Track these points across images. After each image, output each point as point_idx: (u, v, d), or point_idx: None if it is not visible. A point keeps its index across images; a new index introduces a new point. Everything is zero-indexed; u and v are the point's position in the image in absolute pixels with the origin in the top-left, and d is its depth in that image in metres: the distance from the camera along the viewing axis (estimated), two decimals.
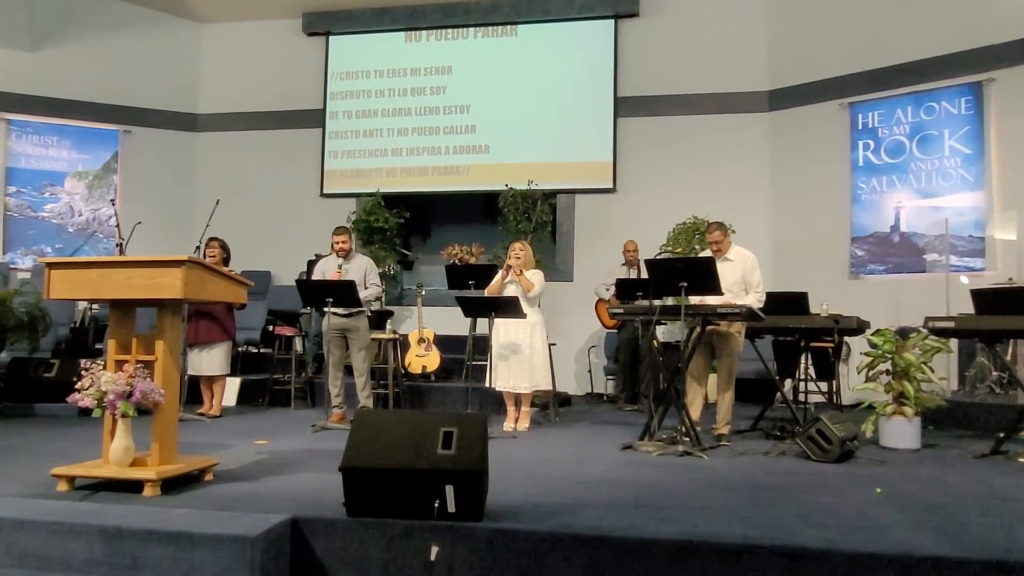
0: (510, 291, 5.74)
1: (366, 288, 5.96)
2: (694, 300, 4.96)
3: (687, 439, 4.73)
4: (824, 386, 6.33)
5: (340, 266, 5.93)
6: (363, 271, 6.00)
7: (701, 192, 8.56)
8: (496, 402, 6.35)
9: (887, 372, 5.12)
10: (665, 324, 8.07)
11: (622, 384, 7.37)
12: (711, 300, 4.93)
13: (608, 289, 7.41)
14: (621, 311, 5.27)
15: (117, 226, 7.13)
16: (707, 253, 5.35)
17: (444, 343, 7.57)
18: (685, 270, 4.67)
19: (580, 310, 8.35)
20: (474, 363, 6.66)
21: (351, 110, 9.68)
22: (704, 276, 4.66)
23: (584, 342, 8.61)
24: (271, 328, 7.92)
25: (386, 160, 9.53)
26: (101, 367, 3.55)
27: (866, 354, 5.27)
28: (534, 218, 8.28)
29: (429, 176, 9.42)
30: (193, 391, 6.45)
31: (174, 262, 3.47)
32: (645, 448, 4.72)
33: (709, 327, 5.03)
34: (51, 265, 3.55)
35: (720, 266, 4.79)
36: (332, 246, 6.10)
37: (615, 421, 6.30)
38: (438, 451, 3.05)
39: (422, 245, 10.87)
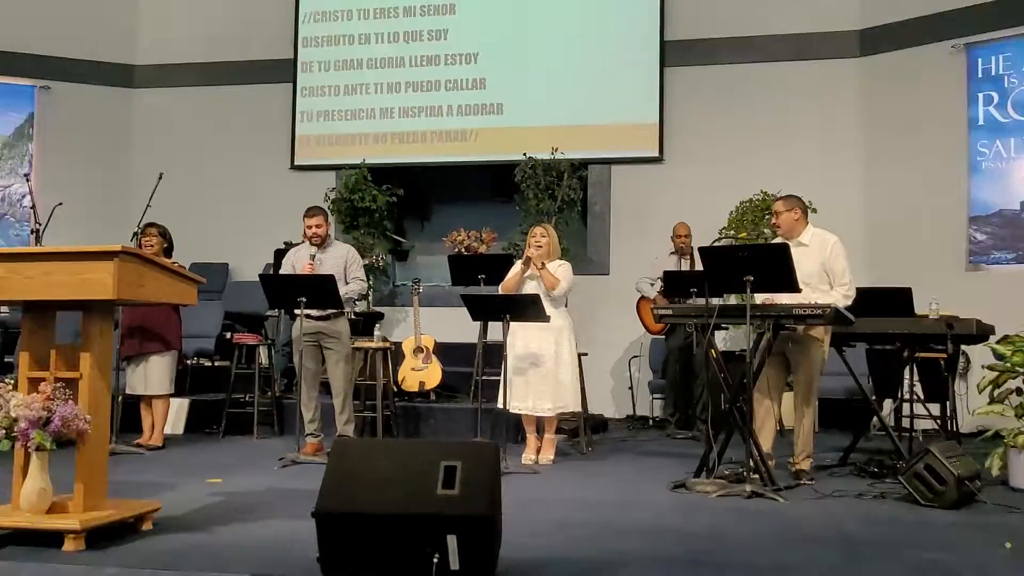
0: (530, 288, 5.72)
1: (347, 283, 5.95)
2: (762, 298, 4.91)
3: (756, 476, 4.69)
4: (935, 409, 6.23)
5: (313, 256, 5.93)
6: (342, 263, 6.00)
7: (772, 161, 8.48)
8: (512, 428, 6.31)
9: (1018, 391, 5.03)
10: (726, 329, 7.99)
11: (672, 405, 7.34)
12: (784, 298, 4.87)
13: (653, 284, 7.37)
14: (670, 312, 5.24)
15: (32, 208, 7.16)
16: (779, 239, 5.27)
17: (446, 353, 7.54)
18: (751, 260, 4.61)
19: (618, 311, 8.31)
20: (484, 378, 6.63)
21: (329, 60, 9.68)
22: (776, 268, 4.59)
23: (623, 351, 8.57)
24: (228, 336, 7.93)
25: (373, 123, 9.53)
26: (11, 387, 3.54)
27: (990, 368, 5.18)
28: (559, 195, 8.24)
29: (427, 143, 9.41)
30: (129, 416, 6.46)
31: (104, 253, 3.45)
32: (702, 488, 4.68)
33: (782, 332, 4.97)
34: None
35: (793, 252, 4.71)
36: (304, 232, 6.08)
37: (663, 452, 6.27)
38: (438, 491, 3.03)
39: (419, 230, 10.84)
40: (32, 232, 6.84)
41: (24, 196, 9.44)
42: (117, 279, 3.43)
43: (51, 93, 9.76)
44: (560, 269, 5.77)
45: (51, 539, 3.44)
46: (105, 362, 3.63)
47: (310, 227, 6.02)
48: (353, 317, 6.22)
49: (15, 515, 3.51)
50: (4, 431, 3.43)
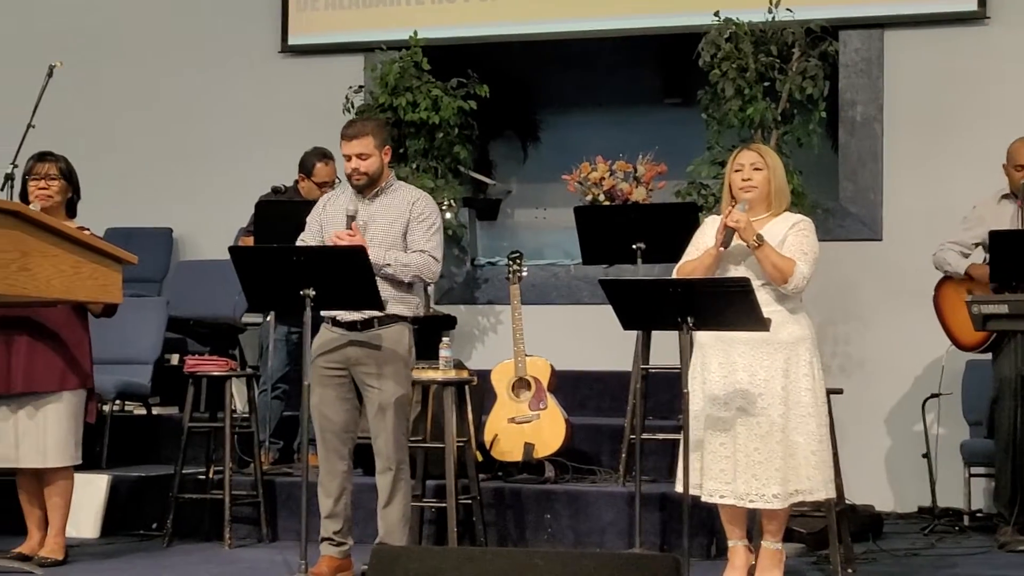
0: (736, 269, 5.65)
1: (405, 252, 5.97)
2: None
3: None
4: None
5: (354, 216, 5.94)
6: (402, 220, 6.01)
7: None
8: (704, 529, 6.32)
9: None
10: None
11: (1009, 486, 7.17)
12: None
13: (968, 254, 7.26)
14: (1004, 310, 5.19)
15: None
16: None
17: (574, 390, 7.59)
18: None
19: (901, 307, 8.26)
20: (648, 438, 6.63)
21: None
22: None
23: (912, 384, 8.50)
24: (176, 360, 8.09)
25: None
26: None
27: None
28: (785, 90, 8.15)
29: (532, 1, 9.48)
30: (3, 504, 6.62)
31: None
32: None
33: None
34: None
35: None
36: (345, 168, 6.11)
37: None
38: None
39: (519, 162, 10.90)
40: None
41: None
42: None
43: None
44: (796, 236, 5.61)
45: None
46: None
47: (348, 157, 6.03)
48: (412, 322, 6.24)
49: None
50: None
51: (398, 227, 5.98)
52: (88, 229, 5.82)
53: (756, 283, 5.44)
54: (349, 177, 6.03)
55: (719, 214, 5.70)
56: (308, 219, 6.22)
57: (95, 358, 6.49)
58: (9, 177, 6.48)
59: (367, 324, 5.92)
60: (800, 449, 5.52)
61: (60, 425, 6.23)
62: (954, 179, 8.08)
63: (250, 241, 7.45)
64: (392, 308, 5.91)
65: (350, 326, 5.93)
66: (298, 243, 6.11)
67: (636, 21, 9.28)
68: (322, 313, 5.91)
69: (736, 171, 5.68)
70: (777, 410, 5.49)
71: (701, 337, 5.56)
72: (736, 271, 5.61)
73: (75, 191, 6.40)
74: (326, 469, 6.00)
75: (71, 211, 6.37)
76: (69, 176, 6.36)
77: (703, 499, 5.59)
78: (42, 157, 6.34)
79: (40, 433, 6.20)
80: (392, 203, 6.05)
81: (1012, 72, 8.55)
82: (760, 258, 5.50)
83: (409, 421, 6.30)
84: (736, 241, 5.56)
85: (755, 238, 5.48)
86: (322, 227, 6.07)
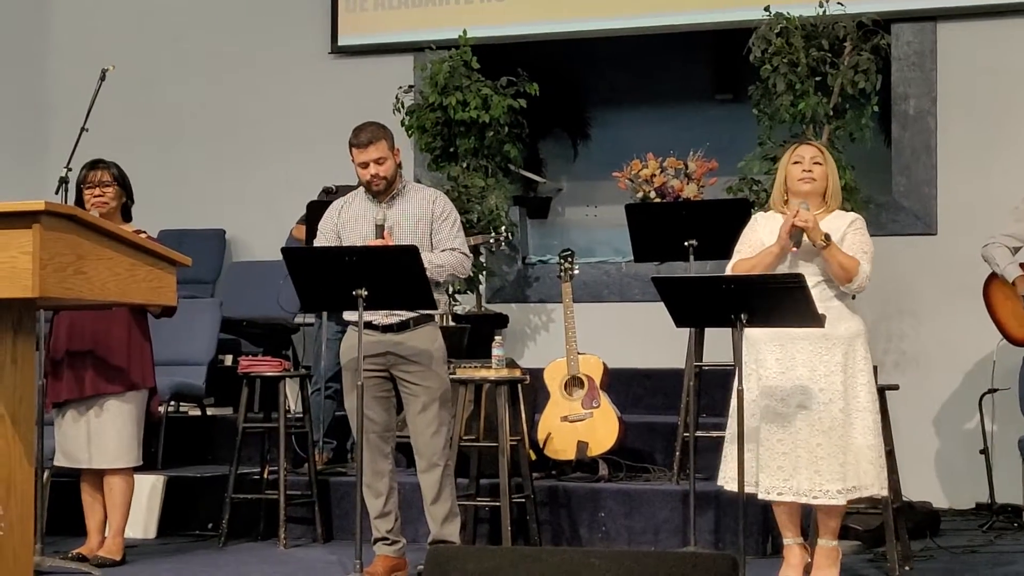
0: (794, 267, 5.57)
1: (432, 251, 5.98)
2: None
3: None
4: None
5: (382, 224, 5.92)
6: (424, 222, 6.04)
7: None
8: (758, 527, 6.32)
9: None
10: None
11: None
12: None
13: (1019, 248, 7.21)
14: None
15: None
16: None
17: (626, 388, 7.57)
18: None
19: (956, 303, 8.18)
20: (702, 435, 6.60)
21: None
22: None
23: (965, 380, 8.42)
24: (229, 361, 8.11)
25: None
26: None
27: None
28: (837, 84, 8.09)
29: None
30: (62, 505, 6.65)
31: (16, 216, 3.56)
32: None
33: None
34: None
35: None
36: (357, 174, 6.17)
37: None
38: None
39: (569, 160, 10.86)
40: None
41: None
42: (39, 260, 3.53)
43: None
44: (855, 234, 5.57)
45: None
46: (23, 411, 3.74)
47: (365, 164, 6.03)
48: (447, 322, 6.22)
49: None
50: None
51: (423, 228, 6.01)
52: (145, 232, 5.86)
53: (812, 280, 5.39)
54: (368, 184, 6.01)
55: (769, 211, 5.69)
56: (321, 225, 6.24)
57: (156, 360, 6.56)
58: (63, 180, 6.50)
59: (403, 326, 5.95)
60: (857, 444, 5.49)
61: (126, 426, 6.31)
62: (1009, 172, 8.00)
63: (303, 229, 7.43)
64: (430, 311, 5.98)
65: (386, 329, 5.95)
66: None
67: (686, 17, 9.23)
68: (366, 315, 5.89)
69: (795, 163, 5.61)
70: (838, 405, 5.46)
71: (753, 333, 5.52)
72: (794, 269, 5.54)
73: (128, 195, 6.45)
74: (372, 470, 6.01)
75: (126, 215, 6.43)
76: (122, 181, 6.42)
77: (760, 496, 5.56)
78: (94, 165, 6.39)
79: (108, 434, 6.28)
80: (411, 205, 6.08)
81: None
82: (827, 257, 5.45)
83: (453, 416, 6.31)
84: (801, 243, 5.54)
85: (823, 237, 5.43)
86: (340, 234, 6.09)
